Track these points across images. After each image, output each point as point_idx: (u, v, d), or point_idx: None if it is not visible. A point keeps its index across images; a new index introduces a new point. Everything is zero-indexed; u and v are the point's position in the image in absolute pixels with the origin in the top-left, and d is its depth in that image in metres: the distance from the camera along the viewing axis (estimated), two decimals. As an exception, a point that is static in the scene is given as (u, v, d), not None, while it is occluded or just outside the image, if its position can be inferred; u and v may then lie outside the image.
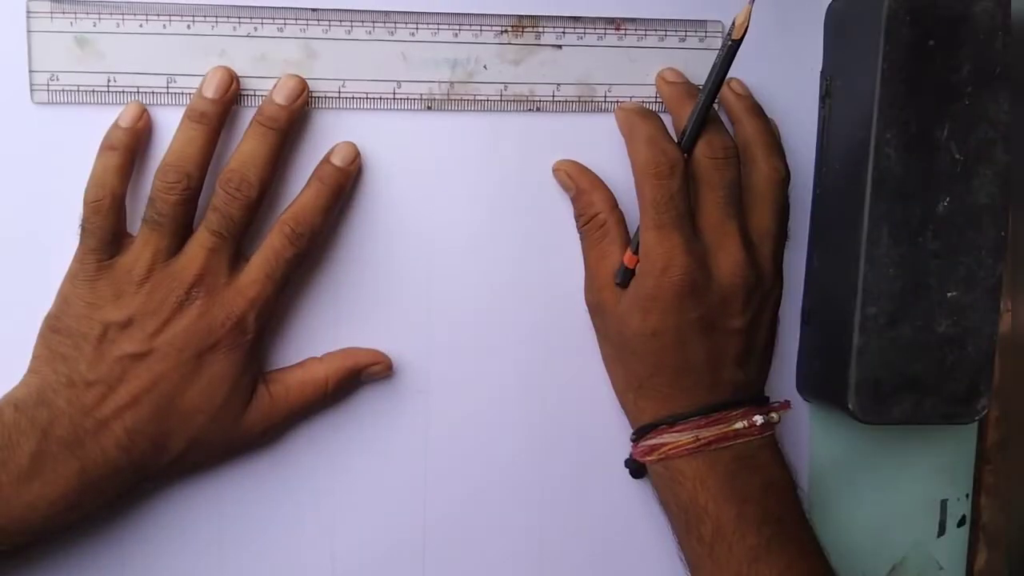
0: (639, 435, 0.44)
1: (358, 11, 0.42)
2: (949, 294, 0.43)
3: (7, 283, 0.41)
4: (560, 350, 0.46)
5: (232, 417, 0.41)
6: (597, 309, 0.45)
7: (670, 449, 0.42)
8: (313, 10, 0.42)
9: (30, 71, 0.41)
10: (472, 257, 0.45)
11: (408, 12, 0.43)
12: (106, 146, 0.40)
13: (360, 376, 0.44)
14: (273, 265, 0.41)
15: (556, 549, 0.47)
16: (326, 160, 0.42)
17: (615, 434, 0.46)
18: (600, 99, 0.45)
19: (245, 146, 0.40)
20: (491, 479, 0.46)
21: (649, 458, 0.43)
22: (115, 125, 0.40)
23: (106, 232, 0.39)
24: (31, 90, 0.41)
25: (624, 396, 0.45)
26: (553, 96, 0.45)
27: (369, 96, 0.43)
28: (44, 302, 0.40)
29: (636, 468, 0.46)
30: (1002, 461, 0.50)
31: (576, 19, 0.45)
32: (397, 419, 0.45)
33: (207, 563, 0.44)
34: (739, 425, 0.41)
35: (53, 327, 0.39)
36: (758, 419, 0.42)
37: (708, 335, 0.42)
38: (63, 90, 0.41)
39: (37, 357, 0.40)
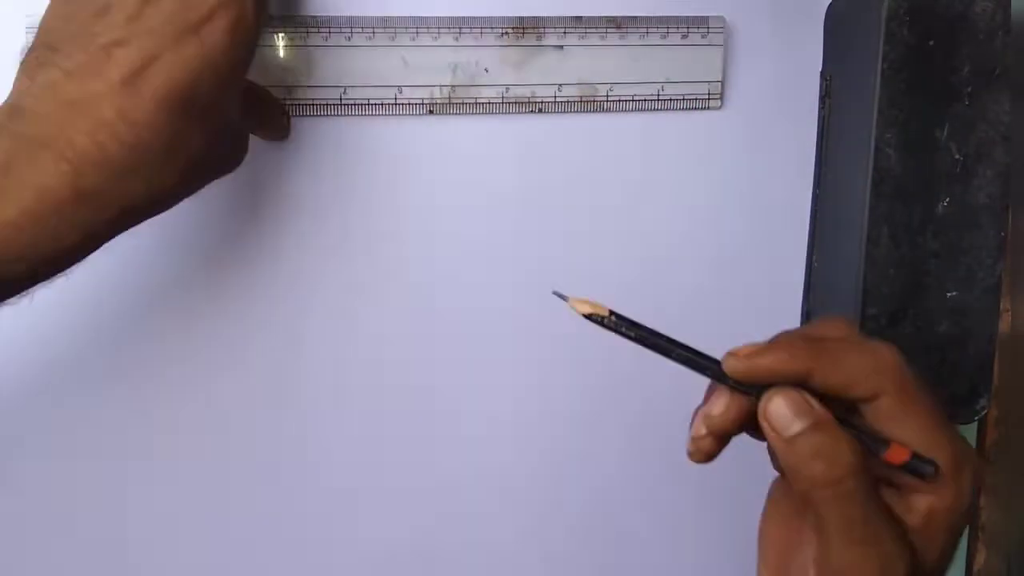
0: None
1: (358, 17, 0.43)
2: (949, 294, 0.43)
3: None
4: (563, 351, 0.47)
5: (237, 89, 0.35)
6: None
7: None
8: (313, 17, 0.42)
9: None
10: (475, 260, 0.45)
11: (408, 17, 0.43)
12: None
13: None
14: None
15: (560, 546, 0.48)
16: None
17: (619, 431, 0.47)
18: (602, 98, 0.45)
19: None
20: (494, 480, 0.47)
21: None
22: None
23: None
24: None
25: None
26: (555, 97, 0.45)
27: (371, 102, 0.43)
28: (47, 301, 0.40)
29: None
30: (1002, 461, 0.50)
31: (578, 19, 0.45)
32: (398, 419, 0.46)
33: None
34: None
35: (34, 47, 0.33)
36: None
37: None
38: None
39: (15, 86, 0.33)
